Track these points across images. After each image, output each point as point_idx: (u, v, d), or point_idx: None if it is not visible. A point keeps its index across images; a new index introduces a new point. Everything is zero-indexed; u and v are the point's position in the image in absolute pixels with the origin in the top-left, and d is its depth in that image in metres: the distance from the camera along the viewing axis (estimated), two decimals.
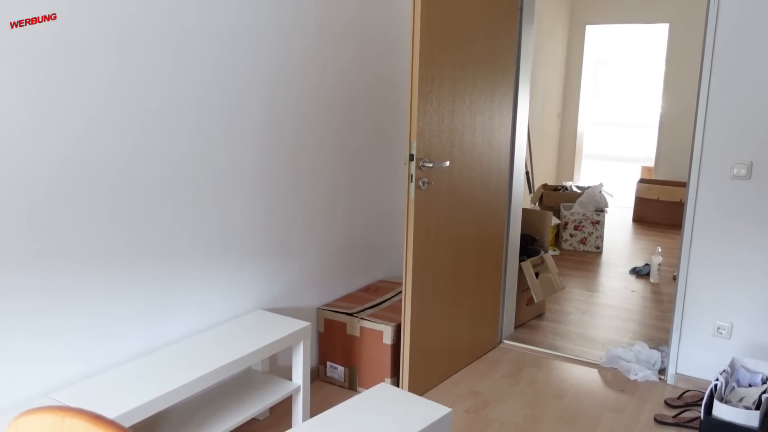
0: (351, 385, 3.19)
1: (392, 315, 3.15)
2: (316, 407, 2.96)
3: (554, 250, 5.75)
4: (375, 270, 3.67)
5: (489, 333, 3.63)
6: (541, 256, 4.15)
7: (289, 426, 2.79)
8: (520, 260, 3.93)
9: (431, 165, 2.90)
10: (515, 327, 3.96)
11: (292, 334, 2.61)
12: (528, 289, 3.97)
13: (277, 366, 3.01)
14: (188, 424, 2.37)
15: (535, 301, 3.99)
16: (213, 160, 2.57)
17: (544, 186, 6.60)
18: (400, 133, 3.70)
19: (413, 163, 2.83)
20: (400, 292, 3.45)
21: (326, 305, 3.26)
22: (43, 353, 2.08)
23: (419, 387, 3.08)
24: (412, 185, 2.85)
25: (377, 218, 3.63)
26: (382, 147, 3.57)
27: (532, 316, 4.14)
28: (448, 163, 2.99)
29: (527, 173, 6.11)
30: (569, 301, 4.51)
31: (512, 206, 3.67)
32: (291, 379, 2.74)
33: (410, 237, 2.90)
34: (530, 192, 6.33)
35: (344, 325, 3.15)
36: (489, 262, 3.54)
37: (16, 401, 2.03)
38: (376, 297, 3.39)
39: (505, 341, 3.76)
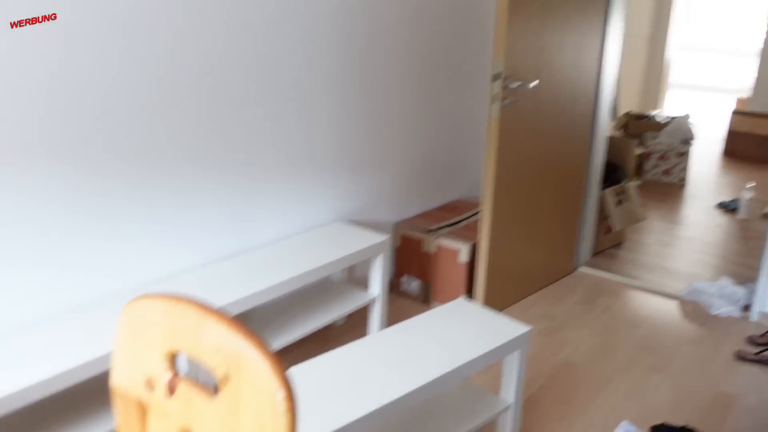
0: (425, 300, 3.23)
1: (468, 234, 3.14)
2: (391, 318, 3.03)
3: (636, 180, 5.55)
4: (453, 188, 3.64)
5: (565, 259, 3.58)
6: (623, 185, 4.01)
7: (364, 333, 2.87)
8: (602, 187, 3.81)
9: (517, 84, 2.80)
10: (592, 255, 3.90)
11: (370, 246, 2.65)
12: (608, 217, 3.86)
13: (354, 277, 3.08)
14: (268, 327, 2.47)
15: (614, 229, 3.89)
16: (294, 68, 2.56)
17: (628, 114, 6.31)
18: (486, 47, 3.58)
19: (498, 82, 2.74)
20: (477, 212, 3.43)
21: (403, 221, 3.28)
22: (150, 243, 2.24)
23: (493, 306, 3.10)
24: (496, 104, 2.77)
25: (458, 136, 3.57)
26: (467, 62, 3.46)
27: (610, 244, 4.05)
28: (535, 83, 2.88)
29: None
30: (650, 233, 4.38)
31: (596, 131, 3.53)
32: (367, 290, 2.80)
33: (491, 157, 2.84)
34: (613, 119, 6.08)
35: (420, 241, 3.16)
36: (569, 187, 3.45)
37: (127, 288, 2.22)
38: (453, 216, 3.38)
39: (581, 268, 3.71)
